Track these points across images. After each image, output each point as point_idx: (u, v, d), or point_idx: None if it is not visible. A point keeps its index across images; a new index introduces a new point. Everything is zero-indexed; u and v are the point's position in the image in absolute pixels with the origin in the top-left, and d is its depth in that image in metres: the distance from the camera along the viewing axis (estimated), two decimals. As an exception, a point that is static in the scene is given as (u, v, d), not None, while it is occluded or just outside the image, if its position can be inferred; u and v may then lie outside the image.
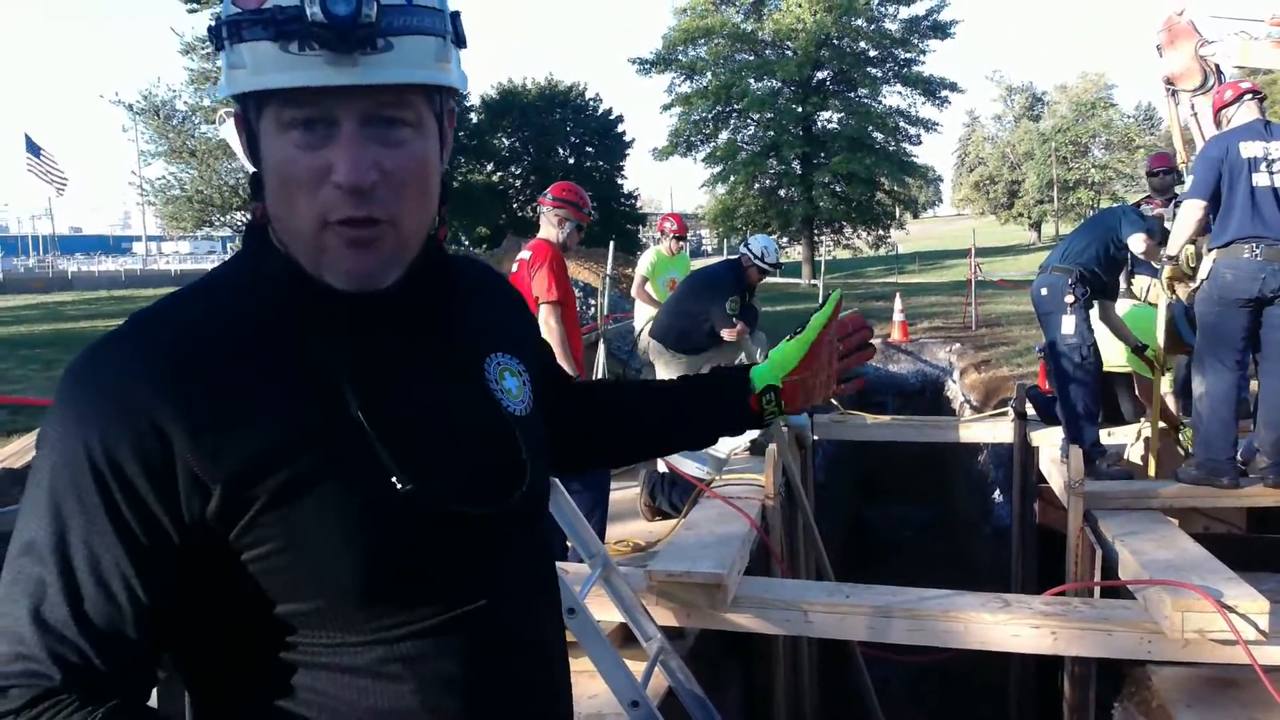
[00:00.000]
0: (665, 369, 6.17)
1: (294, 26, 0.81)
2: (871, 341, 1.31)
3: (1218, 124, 4.63)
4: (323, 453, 0.87)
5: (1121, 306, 5.66)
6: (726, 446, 5.55)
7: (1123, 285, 6.55)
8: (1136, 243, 4.90)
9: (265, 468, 0.85)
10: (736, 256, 6.40)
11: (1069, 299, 4.86)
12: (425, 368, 0.97)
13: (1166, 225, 5.01)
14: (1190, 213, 4.39)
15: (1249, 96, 4.45)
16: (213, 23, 0.86)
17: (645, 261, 7.59)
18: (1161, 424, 5.18)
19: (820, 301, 1.34)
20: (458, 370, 1.01)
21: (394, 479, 0.89)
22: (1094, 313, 5.25)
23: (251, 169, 0.92)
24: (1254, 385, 4.80)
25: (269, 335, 0.90)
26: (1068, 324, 4.87)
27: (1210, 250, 4.36)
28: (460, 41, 0.92)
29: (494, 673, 0.97)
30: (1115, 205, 5.55)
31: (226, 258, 1.02)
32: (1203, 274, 4.37)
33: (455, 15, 0.91)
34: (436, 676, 0.92)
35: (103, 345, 0.87)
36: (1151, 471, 5.04)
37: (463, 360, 1.02)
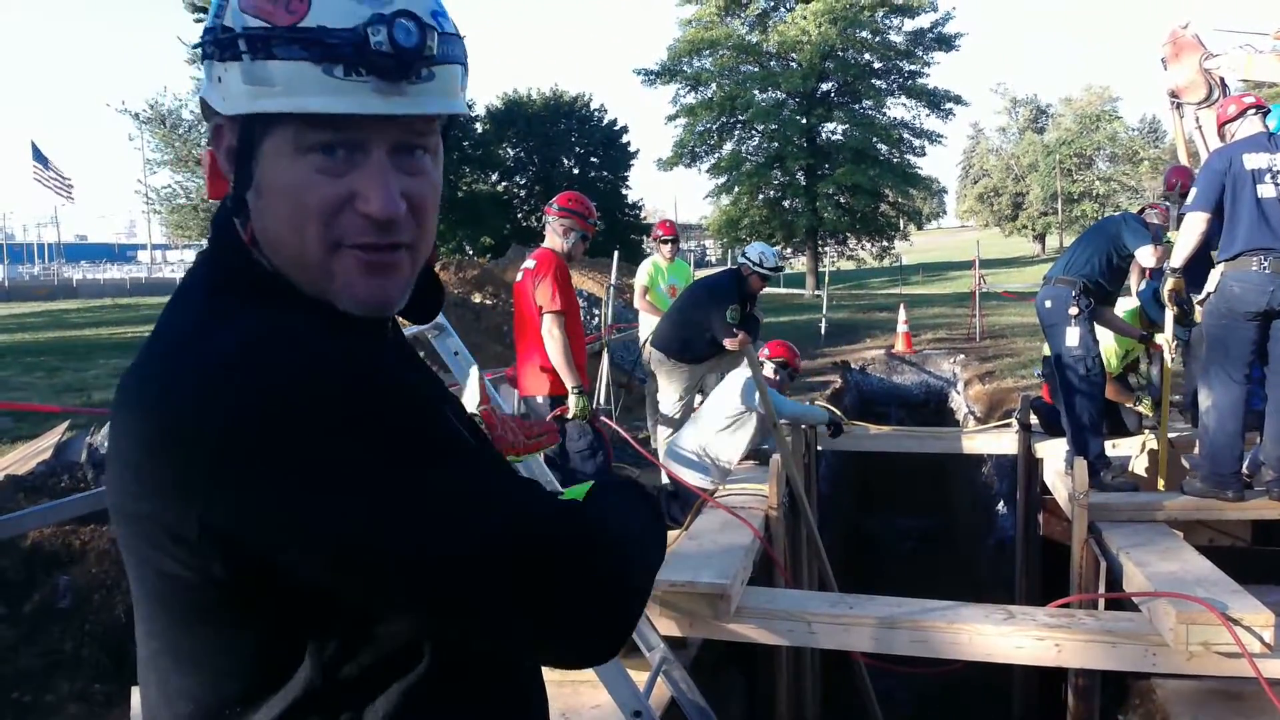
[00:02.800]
0: (667, 379, 6.17)
1: (347, 50, 0.77)
2: None
3: (1221, 138, 4.63)
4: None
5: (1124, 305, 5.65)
6: (729, 455, 5.54)
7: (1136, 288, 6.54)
8: (1146, 256, 4.88)
9: None
10: (736, 266, 6.40)
11: (1073, 311, 4.86)
12: (442, 393, 0.98)
13: (1169, 237, 5.01)
14: (1193, 225, 4.38)
15: (1252, 111, 4.46)
16: (225, 33, 0.80)
17: (643, 272, 7.63)
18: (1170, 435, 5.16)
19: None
20: (450, 395, 1.02)
21: None
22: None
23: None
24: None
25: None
26: (1072, 336, 4.87)
27: (1217, 263, 4.36)
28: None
29: (535, 688, 0.99)
30: (1116, 214, 5.52)
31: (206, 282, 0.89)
32: (1209, 287, 4.36)
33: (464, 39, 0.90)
34: (502, 697, 0.91)
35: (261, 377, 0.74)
36: (1158, 484, 5.02)
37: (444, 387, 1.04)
